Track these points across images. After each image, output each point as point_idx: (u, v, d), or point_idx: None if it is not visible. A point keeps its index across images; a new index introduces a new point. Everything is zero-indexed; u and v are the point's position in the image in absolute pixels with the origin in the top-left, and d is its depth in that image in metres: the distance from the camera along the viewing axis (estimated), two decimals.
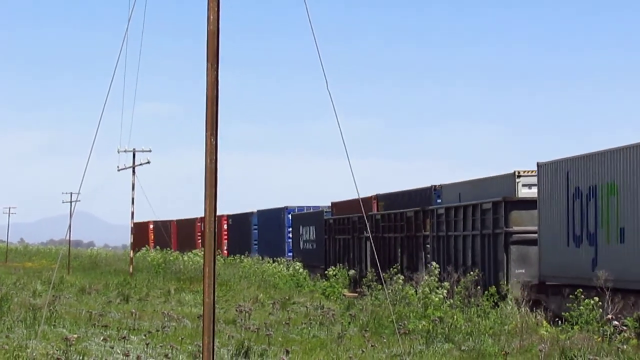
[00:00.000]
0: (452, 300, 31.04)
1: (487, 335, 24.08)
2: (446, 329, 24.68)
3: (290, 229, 65.11)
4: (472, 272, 32.65)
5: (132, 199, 60.33)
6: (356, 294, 40.15)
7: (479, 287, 31.67)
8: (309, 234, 59.95)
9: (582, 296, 25.42)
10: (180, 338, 22.32)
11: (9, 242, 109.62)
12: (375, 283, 37.19)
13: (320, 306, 32.93)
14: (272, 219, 69.60)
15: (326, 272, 47.95)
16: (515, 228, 32.79)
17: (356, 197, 14.94)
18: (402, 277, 35.25)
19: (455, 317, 27.12)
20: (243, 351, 20.11)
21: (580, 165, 29.56)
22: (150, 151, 60.24)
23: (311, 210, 63.51)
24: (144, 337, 22.14)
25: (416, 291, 32.52)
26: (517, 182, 35.36)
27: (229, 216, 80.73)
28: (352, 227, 49.80)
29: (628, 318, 23.67)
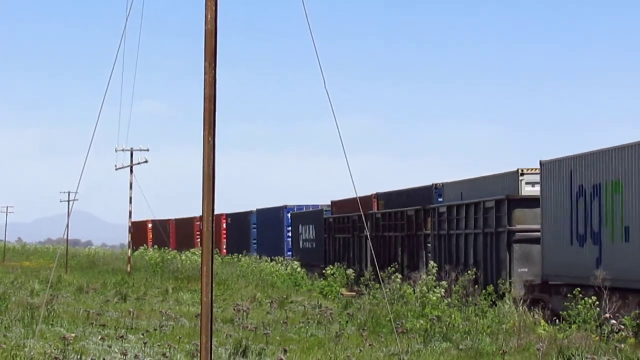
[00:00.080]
0: (450, 299, 31.02)
1: (484, 334, 24.06)
2: (444, 327, 24.65)
3: (290, 228, 64.94)
4: (469, 271, 32.57)
5: (130, 198, 60.31)
6: (354, 293, 40.12)
7: (477, 286, 31.61)
8: (309, 232, 59.74)
9: (581, 295, 25.38)
10: (178, 337, 22.33)
11: (7, 241, 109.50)
12: (373, 282, 37.14)
13: (318, 305, 32.93)
14: (271, 217, 69.46)
15: (324, 271, 47.90)
16: (518, 226, 32.44)
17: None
18: (400, 276, 35.20)
19: (453, 316, 27.09)
20: (241, 350, 20.11)
21: (584, 163, 29.05)
22: (148, 150, 60.33)
23: (310, 209, 63.25)
24: (141, 336, 22.12)
25: (414, 290, 32.50)
26: (521, 180, 35.01)
27: (227, 215, 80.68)
28: (352, 225, 49.62)
29: (626, 317, 23.65)
